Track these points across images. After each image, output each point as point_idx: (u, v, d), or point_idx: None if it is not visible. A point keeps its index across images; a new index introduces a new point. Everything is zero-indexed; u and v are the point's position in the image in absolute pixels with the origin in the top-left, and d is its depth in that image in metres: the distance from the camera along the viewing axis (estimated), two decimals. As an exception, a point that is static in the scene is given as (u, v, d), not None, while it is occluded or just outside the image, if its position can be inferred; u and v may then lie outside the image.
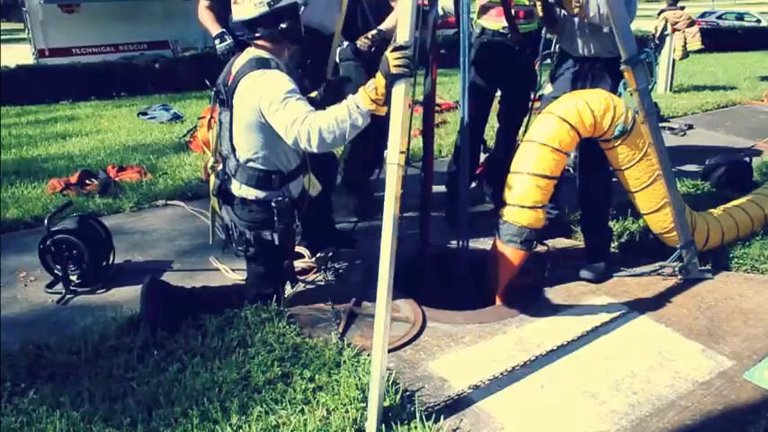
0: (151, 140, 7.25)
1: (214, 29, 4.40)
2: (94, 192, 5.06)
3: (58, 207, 3.86)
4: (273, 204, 2.96)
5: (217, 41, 4.30)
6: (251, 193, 2.97)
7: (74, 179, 5.24)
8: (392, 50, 2.45)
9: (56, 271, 3.54)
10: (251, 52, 2.91)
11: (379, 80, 2.52)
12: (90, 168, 5.58)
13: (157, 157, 6.30)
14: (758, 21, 30.48)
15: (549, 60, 4.00)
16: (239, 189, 2.98)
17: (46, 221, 3.48)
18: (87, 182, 5.24)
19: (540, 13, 3.65)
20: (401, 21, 2.50)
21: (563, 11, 3.59)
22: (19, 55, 17.89)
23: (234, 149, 2.93)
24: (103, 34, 16.95)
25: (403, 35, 2.47)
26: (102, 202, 4.88)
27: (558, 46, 3.87)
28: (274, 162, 2.94)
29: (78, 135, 7.89)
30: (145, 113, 9.13)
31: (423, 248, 3.77)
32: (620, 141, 3.39)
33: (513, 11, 4.02)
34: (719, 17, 32.92)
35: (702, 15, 34.09)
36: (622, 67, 3.28)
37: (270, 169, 2.94)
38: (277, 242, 3.01)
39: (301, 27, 2.97)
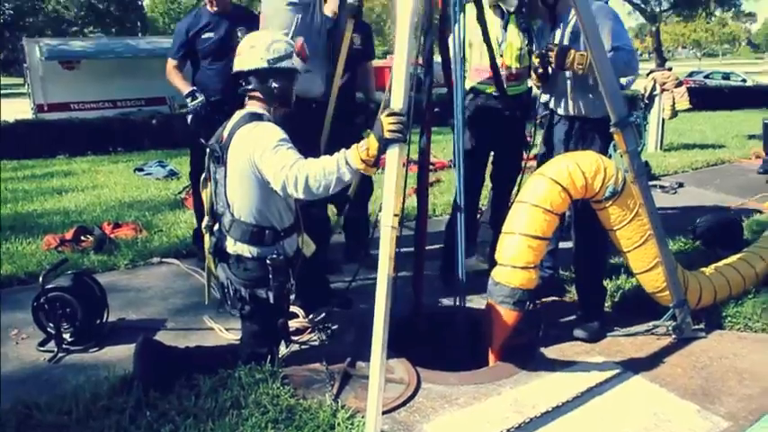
0: (147, 197, 7.30)
1: (184, 87, 4.55)
2: (90, 248, 5.08)
3: (52, 264, 3.86)
4: (268, 262, 2.98)
5: (188, 99, 4.43)
6: (245, 250, 3.00)
7: (69, 235, 5.25)
8: (387, 115, 2.52)
9: (49, 329, 3.52)
10: (245, 109, 3.01)
11: (371, 141, 2.59)
12: (85, 225, 5.60)
13: (153, 213, 6.33)
14: (744, 80, 31.23)
15: (540, 120, 4.09)
16: (234, 246, 3.01)
17: (41, 279, 3.49)
18: (83, 238, 5.26)
19: (535, 75, 3.74)
20: (395, 87, 2.57)
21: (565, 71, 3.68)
22: (17, 109, 18.14)
23: (229, 205, 2.98)
24: (102, 90, 17.27)
25: (398, 101, 2.54)
26: (97, 258, 4.89)
27: (548, 105, 3.96)
28: (268, 217, 2.98)
29: (74, 190, 7.96)
30: (141, 169, 9.21)
31: (416, 308, 3.77)
32: (611, 202, 3.44)
33: (503, 73, 4.11)
34: (707, 76, 33.67)
35: (690, 75, 34.91)
36: (612, 129, 3.35)
37: (263, 225, 2.98)
38: (272, 300, 3.02)
39: (292, 93, 3.08)
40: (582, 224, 3.77)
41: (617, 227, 3.52)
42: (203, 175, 3.14)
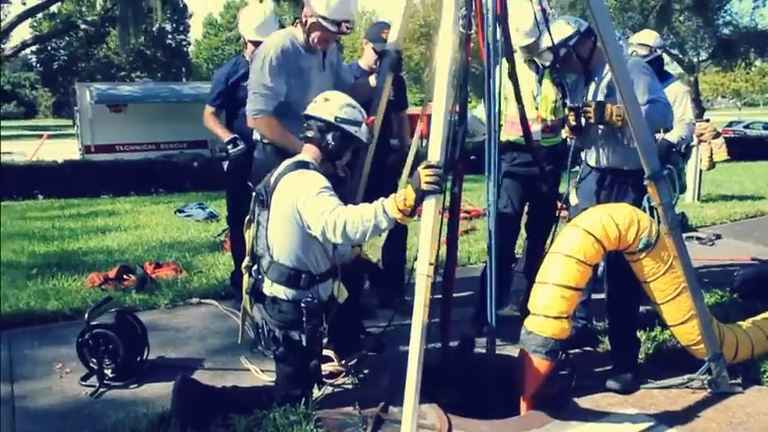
0: (187, 238, 7.49)
1: (224, 134, 4.69)
2: (132, 287, 5.23)
3: (98, 302, 4.01)
4: (303, 305, 3.08)
5: (230, 146, 4.58)
6: (281, 292, 3.10)
7: (112, 274, 5.43)
8: (424, 167, 2.62)
9: (91, 364, 3.64)
10: (294, 157, 3.16)
11: (408, 192, 2.69)
12: (128, 264, 5.77)
13: (193, 255, 6.50)
14: (785, 130, 30.91)
15: (576, 168, 4.15)
16: (270, 287, 3.12)
17: (86, 316, 3.62)
18: (125, 277, 5.43)
19: (571, 125, 3.81)
20: (433, 140, 2.68)
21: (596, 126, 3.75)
22: (66, 149, 18.83)
23: (269, 247, 3.09)
24: (146, 133, 17.85)
25: (434, 154, 2.65)
26: (139, 297, 5.04)
27: (581, 157, 4.03)
28: (305, 262, 3.09)
29: (117, 230, 8.22)
30: (182, 211, 9.46)
31: (443, 353, 3.80)
32: (644, 254, 3.45)
33: (539, 125, 4.20)
34: (747, 126, 33.42)
35: (730, 124, 34.70)
36: (646, 182, 3.40)
37: (300, 269, 3.09)
38: (305, 343, 3.11)
39: (344, 156, 3.23)
40: (615, 275, 3.78)
41: (651, 279, 3.52)
42: (248, 217, 3.26)
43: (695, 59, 28.46)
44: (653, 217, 3.52)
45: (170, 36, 45.05)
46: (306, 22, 3.63)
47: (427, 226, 2.61)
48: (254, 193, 3.21)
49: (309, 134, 3.16)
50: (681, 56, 28.23)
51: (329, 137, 3.12)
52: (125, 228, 8.39)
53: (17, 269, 5.94)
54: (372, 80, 3.97)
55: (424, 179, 2.63)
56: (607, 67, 3.62)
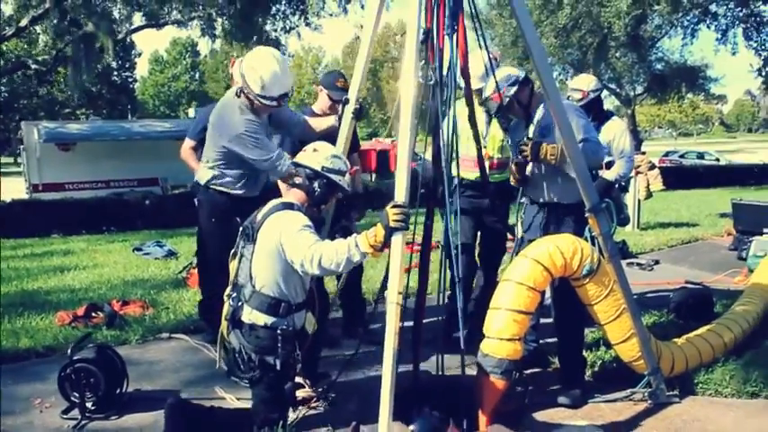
0: (149, 276, 7.60)
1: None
2: (101, 324, 5.36)
3: (79, 338, 4.17)
4: (279, 332, 3.30)
5: None
6: (260, 319, 3.32)
7: (81, 312, 5.53)
8: (392, 207, 2.93)
9: (73, 398, 3.79)
10: (280, 199, 3.44)
11: (378, 230, 2.99)
12: (95, 302, 5.88)
13: (157, 291, 6.62)
14: (717, 159, 32.42)
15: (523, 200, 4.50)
16: (250, 314, 3.33)
17: (69, 351, 3.78)
18: (93, 314, 5.54)
19: (515, 174, 4.19)
20: (398, 182, 2.99)
21: (537, 164, 4.13)
22: (12, 188, 18.50)
23: (252, 278, 3.31)
24: (96, 171, 17.74)
25: (400, 195, 2.96)
26: (109, 334, 5.17)
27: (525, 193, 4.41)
28: (285, 292, 3.32)
29: (76, 269, 8.25)
30: (140, 249, 9.52)
31: (414, 378, 4.04)
32: (588, 280, 3.80)
33: (487, 163, 4.56)
34: (682, 156, 34.89)
35: (666, 154, 36.17)
36: (587, 214, 3.78)
37: (280, 298, 3.32)
38: (279, 367, 3.31)
39: (328, 202, 3.54)
40: (562, 300, 4.14)
41: (594, 302, 3.87)
42: (233, 250, 3.49)
43: (631, 93, 29.78)
44: (594, 246, 3.89)
45: (116, 73, 44.67)
46: (246, 94, 3.93)
47: (396, 258, 2.91)
48: (240, 228, 3.44)
49: (297, 180, 3.43)
50: (618, 90, 29.53)
51: (316, 184, 3.39)
52: (83, 267, 8.42)
53: (-20, 310, 5.98)
54: (330, 120, 4.26)
55: (392, 218, 2.95)
56: (540, 110, 4.06)
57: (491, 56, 4.17)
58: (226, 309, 3.47)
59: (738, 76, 28.72)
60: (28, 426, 3.73)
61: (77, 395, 3.76)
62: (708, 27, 22.77)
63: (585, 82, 5.51)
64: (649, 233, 10.75)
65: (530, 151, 3.95)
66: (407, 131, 3.00)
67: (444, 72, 3.48)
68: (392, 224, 2.95)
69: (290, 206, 3.37)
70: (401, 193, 2.98)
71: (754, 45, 22.01)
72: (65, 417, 3.79)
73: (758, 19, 21.45)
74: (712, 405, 4.06)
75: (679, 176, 21.99)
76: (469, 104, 3.94)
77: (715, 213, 13.23)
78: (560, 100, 3.78)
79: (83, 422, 3.72)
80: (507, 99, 4.08)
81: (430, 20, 3.40)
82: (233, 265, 3.47)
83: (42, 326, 5.39)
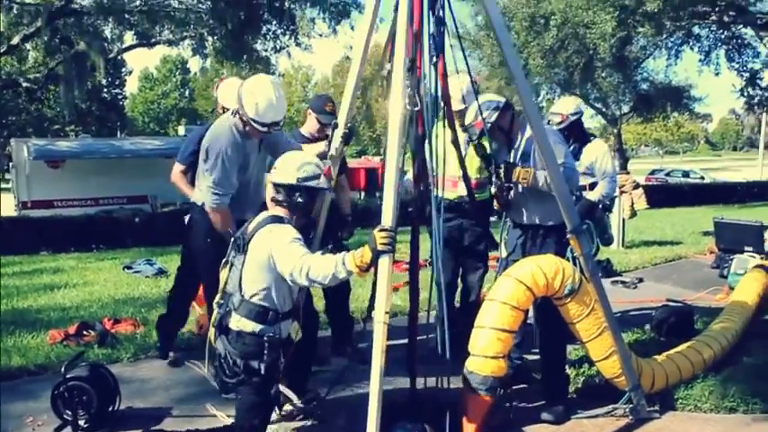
0: (139, 294, 7.66)
1: (191, 192, 4.90)
2: (93, 343, 5.42)
3: (71, 356, 4.24)
4: (265, 338, 3.37)
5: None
6: (248, 326, 3.38)
7: (72, 330, 5.60)
8: (379, 230, 3.05)
9: (65, 415, 3.85)
10: (270, 212, 3.52)
11: (365, 252, 3.10)
12: (86, 320, 5.95)
13: (148, 310, 6.67)
14: (702, 177, 32.85)
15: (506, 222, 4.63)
16: (238, 321, 3.39)
17: (63, 369, 3.85)
18: (85, 333, 5.60)
19: (498, 199, 4.34)
20: (385, 207, 3.11)
21: (513, 184, 4.26)
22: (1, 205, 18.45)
23: (241, 287, 3.39)
24: (85, 188, 17.73)
25: (387, 220, 3.08)
26: (101, 352, 5.23)
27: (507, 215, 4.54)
28: (273, 301, 3.39)
29: (66, 287, 8.30)
30: (130, 267, 9.58)
31: (412, 391, 4.11)
32: (569, 299, 3.92)
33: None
34: (668, 174, 35.33)
35: (652, 172, 36.62)
36: (568, 235, 3.91)
37: (268, 306, 3.39)
38: (263, 371, 3.37)
39: (314, 207, 3.62)
40: (544, 319, 4.25)
41: (576, 320, 3.99)
42: (224, 260, 3.57)
43: (617, 113, 30.16)
44: (576, 266, 4.02)
45: (105, 90, 44.67)
46: (240, 116, 4.11)
47: (383, 279, 3.02)
48: (232, 240, 3.55)
49: (279, 198, 3.51)
50: (604, 109, 29.91)
51: (296, 196, 3.47)
52: (73, 285, 8.47)
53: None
54: (321, 146, 4.38)
55: (379, 241, 3.06)
56: (520, 136, 4.22)
57: (472, 79, 4.32)
58: (214, 316, 3.53)
59: (722, 95, 29.15)
60: (20, 445, 3.80)
61: (70, 413, 3.82)
62: (691, 49, 23.15)
63: (565, 106, 5.67)
64: (634, 251, 10.92)
65: (503, 173, 4.09)
66: (394, 156, 3.12)
67: (426, 98, 3.61)
68: (379, 247, 3.06)
69: (279, 219, 3.45)
70: (388, 217, 3.10)
71: (736, 66, 22.36)
72: (58, 435, 3.86)
73: (739, 41, 21.85)
74: (691, 420, 4.18)
75: (664, 194, 22.32)
76: (451, 127, 4.08)
77: (698, 231, 13.43)
78: (542, 124, 3.92)
79: (76, 439, 3.79)
80: (489, 125, 4.22)
81: (411, 50, 3.53)
82: (223, 275, 3.54)
83: (34, 344, 5.45)
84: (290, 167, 3.50)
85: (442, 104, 3.93)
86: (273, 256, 3.29)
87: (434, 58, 3.64)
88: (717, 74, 23.41)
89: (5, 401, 4.38)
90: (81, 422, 3.85)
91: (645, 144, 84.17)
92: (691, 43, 22.95)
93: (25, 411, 4.19)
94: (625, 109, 29.98)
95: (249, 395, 3.47)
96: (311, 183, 3.49)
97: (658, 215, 17.06)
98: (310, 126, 4.92)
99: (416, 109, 3.51)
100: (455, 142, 4.15)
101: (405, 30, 3.38)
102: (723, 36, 22.08)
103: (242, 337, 3.40)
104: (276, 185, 3.53)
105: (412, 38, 3.50)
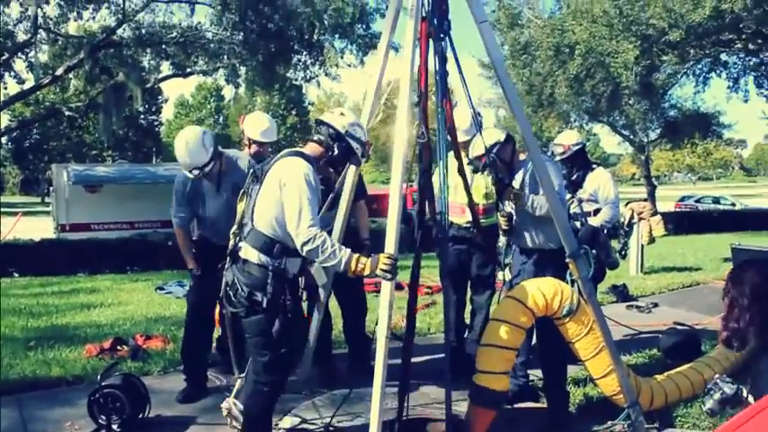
0: (170, 313, 8.03)
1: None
2: (126, 357, 5.79)
3: (106, 366, 4.61)
4: (270, 270, 3.48)
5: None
6: (255, 256, 3.50)
7: (107, 345, 5.99)
8: (386, 256, 3.34)
9: (100, 420, 4.21)
10: (295, 148, 3.75)
11: (367, 266, 3.36)
12: (120, 336, 6.34)
13: (177, 328, 6.97)
14: (732, 204, 32.55)
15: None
16: (246, 250, 3.52)
17: (99, 377, 4.23)
18: (119, 348, 5.99)
19: (502, 225, 4.63)
20: (389, 235, 3.41)
21: (523, 214, 4.55)
22: (40, 228, 19.17)
23: (253, 216, 3.56)
24: (121, 212, 18.28)
25: (390, 247, 3.39)
26: (133, 365, 5.59)
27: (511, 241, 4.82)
28: (281, 235, 3.48)
29: (101, 306, 8.71)
30: (162, 288, 10.00)
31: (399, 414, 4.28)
32: (568, 319, 4.16)
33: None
34: (698, 201, 35.07)
35: (682, 199, 36.37)
36: (567, 259, 4.17)
37: (276, 239, 3.49)
38: (264, 305, 3.46)
39: (339, 166, 3.87)
40: (546, 339, 4.49)
41: (575, 339, 4.22)
42: (242, 190, 3.76)
43: (645, 139, 30.13)
44: (574, 288, 4.27)
45: (142, 117, 45.97)
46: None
47: (385, 298, 3.34)
48: (251, 170, 3.79)
49: (318, 137, 3.68)
50: (632, 136, 29.92)
51: (335, 145, 3.64)
52: (108, 304, 8.88)
53: (13, 342, 6.47)
54: None
55: (381, 266, 3.33)
56: (523, 167, 4.52)
57: (476, 111, 4.63)
58: (230, 246, 3.69)
59: (757, 121, 28.96)
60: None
61: (105, 418, 4.19)
62: (719, 75, 23.12)
63: (567, 137, 5.99)
64: (652, 277, 11.04)
65: (497, 192, 4.48)
66: (397, 186, 3.44)
67: (433, 131, 3.93)
68: (378, 272, 3.33)
69: (300, 154, 3.58)
70: (391, 245, 3.39)
71: (766, 93, 22.29)
72: (93, 438, 4.22)
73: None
74: (691, 437, 4.37)
75: (693, 221, 22.30)
76: (457, 158, 4.39)
77: (720, 258, 13.41)
78: (539, 153, 4.19)
79: (109, 443, 4.15)
80: (492, 158, 4.53)
81: (423, 82, 3.85)
82: (240, 206, 3.71)
83: (71, 357, 5.85)
84: (345, 119, 3.67)
85: (448, 137, 4.25)
86: (284, 198, 3.41)
87: (442, 94, 3.96)
88: (746, 101, 23.33)
89: (47, 408, 4.77)
90: (114, 426, 4.20)
91: (677, 170, 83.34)
92: (718, 70, 22.95)
93: (64, 417, 4.56)
94: (653, 136, 29.94)
95: (254, 335, 3.58)
96: (353, 142, 3.66)
97: (682, 242, 17.09)
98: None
99: (423, 140, 3.81)
100: (461, 171, 4.46)
101: (410, 64, 3.66)
102: (751, 63, 22.06)
103: (248, 266, 3.50)
104: (322, 124, 3.70)
105: (424, 73, 3.81)
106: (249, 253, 3.54)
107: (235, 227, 3.73)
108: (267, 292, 3.47)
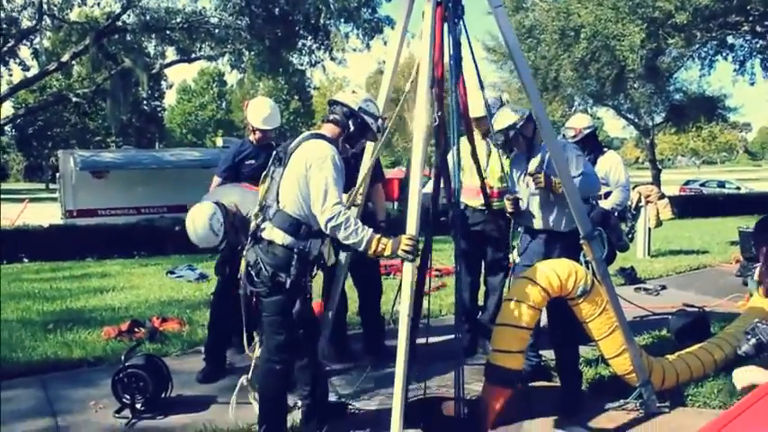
0: (183, 296, 8.14)
1: None
2: (143, 339, 5.89)
3: (129, 347, 4.72)
4: (295, 251, 3.56)
5: None
6: (279, 237, 3.57)
7: (125, 327, 6.09)
8: (407, 237, 3.40)
9: (124, 399, 4.32)
10: (312, 131, 3.83)
11: (387, 247, 3.44)
12: (137, 319, 6.43)
13: (192, 310, 7.13)
14: (738, 188, 32.51)
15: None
16: (271, 231, 3.59)
17: (123, 357, 4.33)
18: (136, 330, 6.09)
19: (509, 207, 4.68)
20: (410, 218, 3.48)
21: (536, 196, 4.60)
22: (48, 214, 19.24)
23: (278, 199, 3.64)
24: (128, 198, 18.35)
25: (411, 229, 3.46)
26: (151, 347, 5.69)
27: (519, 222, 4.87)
28: (307, 215, 3.57)
29: (114, 290, 8.82)
30: (173, 272, 10.09)
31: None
32: (582, 299, 4.24)
33: (488, 191, 5.02)
34: (702, 184, 35.03)
35: (687, 183, 36.34)
36: (581, 241, 4.23)
37: (301, 220, 3.58)
38: (288, 286, 3.55)
39: (357, 144, 3.92)
40: (559, 319, 4.56)
41: (588, 319, 4.30)
42: (264, 173, 3.84)
43: (650, 123, 30.06)
44: (588, 269, 4.33)
45: (145, 102, 45.96)
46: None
47: (407, 279, 3.42)
48: (273, 152, 3.85)
49: (334, 117, 3.77)
50: (636, 120, 29.85)
51: (350, 122, 3.74)
52: (120, 288, 8.98)
53: (32, 325, 6.60)
54: None
55: (402, 247, 3.40)
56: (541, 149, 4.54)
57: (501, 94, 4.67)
58: (252, 227, 3.77)
59: (762, 104, 28.85)
60: (86, 423, 4.29)
61: (128, 397, 4.30)
62: (725, 59, 23.01)
63: (578, 121, 6.06)
64: (659, 260, 11.11)
65: (544, 181, 4.44)
66: (418, 168, 3.50)
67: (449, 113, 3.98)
68: (400, 252, 3.40)
69: (322, 137, 3.69)
70: (412, 227, 3.46)
71: (774, 75, 22.15)
72: (117, 416, 4.33)
73: (775, 50, 21.68)
74: (701, 415, 4.42)
75: (697, 205, 22.30)
76: (471, 142, 4.44)
77: (726, 241, 13.45)
78: (556, 137, 4.26)
79: (133, 420, 4.26)
80: (513, 132, 4.57)
81: (440, 67, 3.89)
82: (262, 188, 3.80)
83: (91, 339, 5.97)
84: (358, 96, 3.79)
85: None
86: (309, 178, 3.50)
87: (456, 78, 4.01)
88: (752, 83, 23.22)
89: (71, 388, 4.89)
90: (138, 405, 4.30)
91: (681, 154, 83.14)
92: (724, 53, 22.84)
93: (87, 396, 4.68)
94: (658, 119, 29.85)
95: (272, 315, 3.66)
96: (368, 118, 3.76)
97: (689, 225, 17.13)
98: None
99: (436, 124, 3.86)
100: (474, 154, 4.51)
101: (429, 47, 3.71)
102: (758, 45, 21.94)
103: (273, 247, 3.59)
104: (335, 104, 3.81)
105: (438, 55, 3.86)
106: (274, 234, 3.61)
107: (256, 209, 3.80)
108: (291, 273, 3.55)
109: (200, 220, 4.46)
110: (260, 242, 3.67)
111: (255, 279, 3.65)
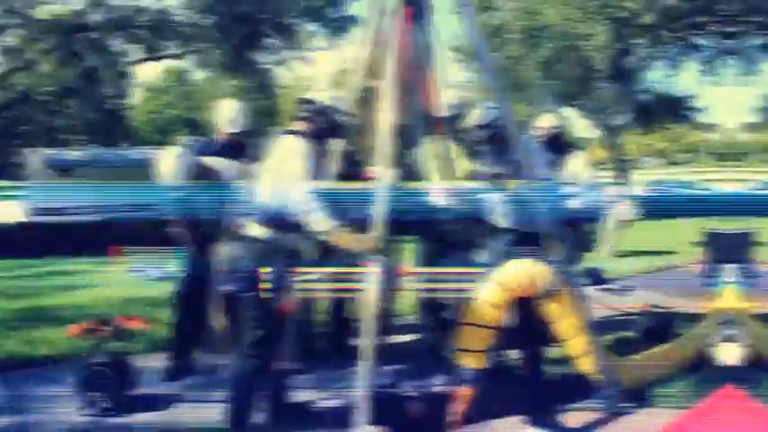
0: (146, 295, 8.05)
1: None
2: (109, 337, 5.78)
3: (94, 344, 4.77)
4: (273, 246, 3.62)
5: None
6: (257, 231, 3.64)
7: (89, 325, 5.97)
8: (373, 233, 3.42)
9: (89, 397, 4.30)
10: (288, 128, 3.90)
11: (351, 243, 3.56)
12: (101, 317, 6.33)
13: (155, 309, 7.11)
14: (704, 189, 32.92)
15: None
16: (249, 226, 3.69)
17: (87, 355, 4.38)
18: (101, 328, 5.97)
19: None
20: (375, 216, 3.49)
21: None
22: (11, 212, 18.84)
23: (254, 194, 3.70)
24: (92, 195, 18.08)
25: (377, 227, 3.47)
26: (116, 345, 5.59)
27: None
28: (282, 209, 3.60)
29: (79, 288, 8.81)
30: (137, 270, 9.93)
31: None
32: (547, 299, 4.26)
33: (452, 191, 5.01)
34: (667, 185, 35.45)
35: (651, 183, 36.65)
36: (547, 241, 4.27)
37: (278, 214, 3.61)
38: (266, 280, 3.57)
39: (326, 138, 3.94)
40: (525, 318, 4.56)
41: (554, 320, 4.33)
42: (239, 170, 4.00)
43: (616, 123, 30.26)
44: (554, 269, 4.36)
45: (111, 100, 45.07)
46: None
47: (371, 276, 3.43)
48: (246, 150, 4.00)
49: (304, 114, 3.84)
50: (602, 120, 30.04)
51: (320, 120, 3.79)
52: (85, 286, 9.01)
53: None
54: None
55: (367, 242, 3.51)
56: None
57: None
58: (229, 222, 3.87)
59: (727, 106, 29.18)
60: (50, 422, 4.24)
61: (93, 395, 4.27)
62: (691, 59, 23.20)
63: (546, 120, 6.06)
64: (626, 260, 11.22)
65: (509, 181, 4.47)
66: (384, 167, 3.51)
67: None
68: (364, 247, 3.52)
69: (293, 133, 3.77)
70: (378, 223, 3.49)
71: (740, 76, 22.39)
72: (82, 414, 4.30)
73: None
74: (665, 415, 4.43)
75: (663, 205, 22.55)
76: (439, 139, 4.46)
77: (693, 242, 13.59)
78: (521, 136, 4.29)
79: (98, 419, 4.24)
80: (489, 131, 4.57)
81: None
82: (239, 185, 3.92)
83: (55, 337, 5.91)
84: (327, 93, 3.88)
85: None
86: (283, 172, 3.58)
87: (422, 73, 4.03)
88: (717, 85, 23.43)
89: (35, 386, 4.87)
90: (103, 404, 4.28)
91: (647, 155, 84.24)
92: (691, 54, 23.01)
93: (54, 394, 4.62)
94: (623, 120, 30.06)
95: (251, 308, 3.70)
96: (336, 114, 3.83)
97: (654, 226, 17.31)
98: None
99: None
100: (440, 154, 4.53)
101: (396, 46, 3.76)
102: (724, 47, 22.13)
103: (251, 242, 3.65)
104: (305, 101, 3.87)
105: (405, 54, 3.88)
106: (255, 229, 3.65)
107: (233, 204, 3.86)
108: (269, 267, 3.59)
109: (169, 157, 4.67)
110: (237, 237, 3.71)
111: (233, 274, 3.70)
